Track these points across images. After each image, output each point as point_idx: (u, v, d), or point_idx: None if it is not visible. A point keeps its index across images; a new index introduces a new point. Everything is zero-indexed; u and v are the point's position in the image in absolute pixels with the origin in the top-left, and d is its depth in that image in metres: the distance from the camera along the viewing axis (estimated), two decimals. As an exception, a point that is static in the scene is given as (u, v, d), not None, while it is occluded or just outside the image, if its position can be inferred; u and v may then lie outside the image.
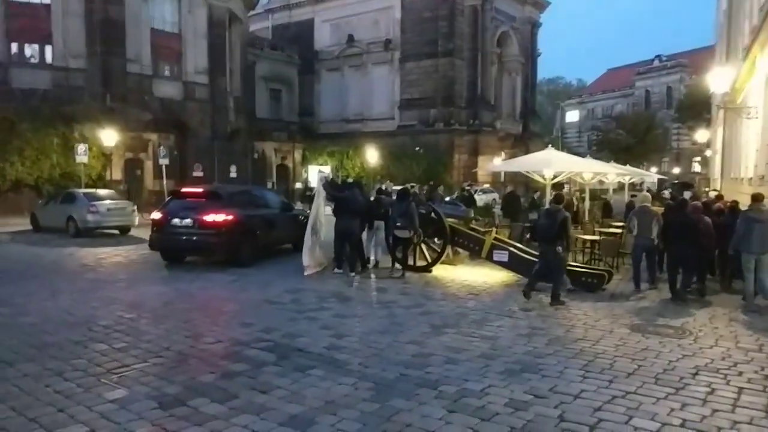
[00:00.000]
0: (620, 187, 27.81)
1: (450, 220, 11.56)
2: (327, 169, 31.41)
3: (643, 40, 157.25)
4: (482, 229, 11.84)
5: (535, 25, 51.55)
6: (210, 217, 10.97)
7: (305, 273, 10.70)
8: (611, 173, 21.50)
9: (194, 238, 11.09)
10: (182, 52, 30.09)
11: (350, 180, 18.54)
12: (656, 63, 77.68)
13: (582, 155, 31.77)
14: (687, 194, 19.08)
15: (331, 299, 8.61)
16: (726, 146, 20.17)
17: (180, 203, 11.57)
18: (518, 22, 49.40)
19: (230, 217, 11.04)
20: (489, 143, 44.39)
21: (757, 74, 11.68)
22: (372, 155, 32.27)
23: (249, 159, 29.52)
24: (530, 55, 51.50)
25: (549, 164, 13.59)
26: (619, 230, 14.87)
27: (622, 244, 12.56)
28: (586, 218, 19.08)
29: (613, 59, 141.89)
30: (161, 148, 23.18)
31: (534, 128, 52.76)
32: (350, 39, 48.68)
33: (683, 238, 8.99)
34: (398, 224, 10.69)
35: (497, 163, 31.68)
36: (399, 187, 15.75)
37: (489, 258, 10.96)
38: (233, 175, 28.24)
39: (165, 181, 22.88)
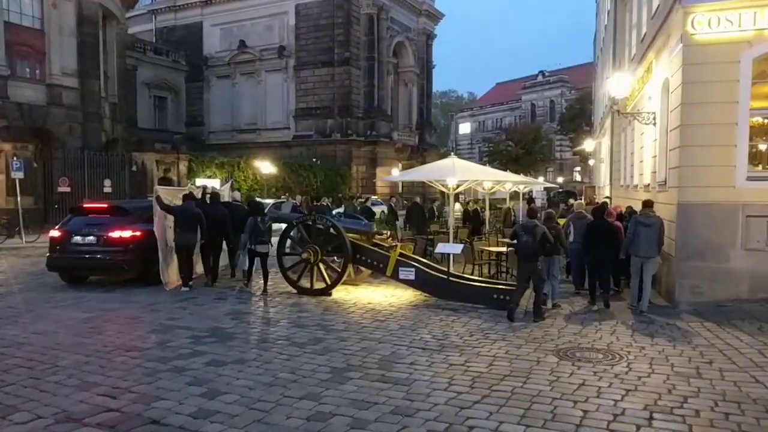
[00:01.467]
0: (514, 196, 28.28)
1: (351, 235, 10.38)
2: (217, 183, 29.14)
3: (528, 56, 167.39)
4: (386, 245, 10.76)
5: (429, 37, 52.23)
6: (116, 234, 10.41)
7: (166, 288, 10.27)
8: (508, 182, 21.59)
9: (98, 256, 10.50)
10: (46, 51, 26.57)
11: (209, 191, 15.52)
12: (540, 78, 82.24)
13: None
14: (576, 202, 19.42)
15: (206, 339, 7.03)
16: (614, 154, 20.86)
17: (82, 220, 10.98)
18: (413, 32, 49.76)
19: (138, 233, 10.44)
20: (387, 154, 44.04)
21: (653, 80, 11.66)
22: (265, 166, 30.37)
23: (126, 171, 26.51)
24: (425, 66, 52.05)
25: (453, 173, 12.83)
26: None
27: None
28: (487, 228, 18.78)
29: (502, 74, 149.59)
30: (15, 159, 19.91)
31: (430, 139, 53.35)
32: (242, 45, 46.39)
33: (604, 243, 9.10)
34: (262, 239, 10.45)
35: (396, 173, 31.03)
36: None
37: (394, 276, 9.90)
38: (108, 189, 25.16)
39: (20, 198, 19.67)
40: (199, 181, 29.46)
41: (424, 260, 10.68)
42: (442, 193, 14.43)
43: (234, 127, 47.38)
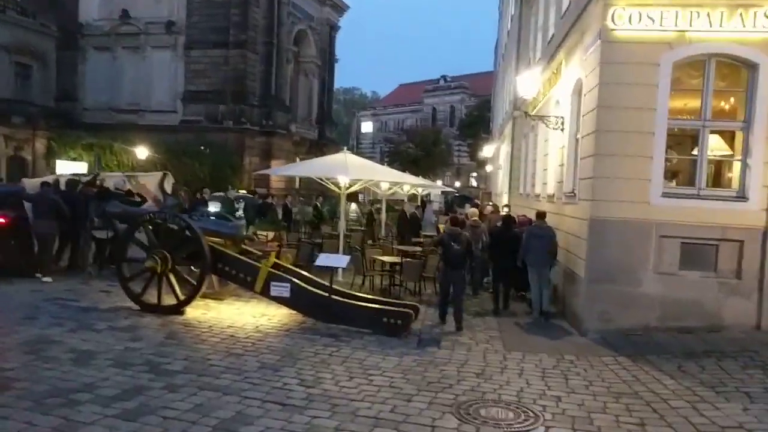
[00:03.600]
0: (411, 198, 27.35)
1: (213, 239, 8.42)
2: (84, 167, 25.38)
3: (431, 59, 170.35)
4: (258, 252, 8.91)
5: (333, 28, 50.40)
6: None
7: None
8: (406, 184, 20.43)
9: None
10: None
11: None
12: (442, 83, 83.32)
13: (376, 165, 30.93)
14: (470, 210, 18.65)
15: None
16: (514, 161, 20.39)
17: None
18: (316, 22, 47.63)
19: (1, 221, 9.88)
20: (283, 147, 41.58)
21: (562, 82, 10.80)
22: (142, 152, 26.96)
23: (-38, 147, 22.26)
24: (328, 59, 50.14)
25: (346, 170, 11.24)
26: (419, 248, 13.27)
27: (425, 266, 10.78)
28: (382, 233, 17.42)
29: (405, 75, 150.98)
30: None
31: (331, 135, 51.51)
32: (125, 15, 41.74)
33: (511, 253, 9.38)
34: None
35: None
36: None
37: (264, 293, 8.09)
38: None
39: None
40: (61, 164, 25.64)
41: (304, 272, 8.94)
42: (334, 192, 12.78)
43: (113, 106, 42.43)
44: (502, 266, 9.72)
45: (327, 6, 48.60)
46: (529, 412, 5.06)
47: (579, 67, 9.43)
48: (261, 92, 41.04)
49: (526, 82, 10.97)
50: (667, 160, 8.12)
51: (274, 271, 8.17)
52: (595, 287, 8.09)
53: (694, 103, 8.17)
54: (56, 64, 42.73)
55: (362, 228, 18.50)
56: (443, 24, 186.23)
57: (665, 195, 7.92)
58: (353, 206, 25.19)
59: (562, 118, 10.54)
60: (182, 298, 8.02)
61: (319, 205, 19.97)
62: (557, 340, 7.97)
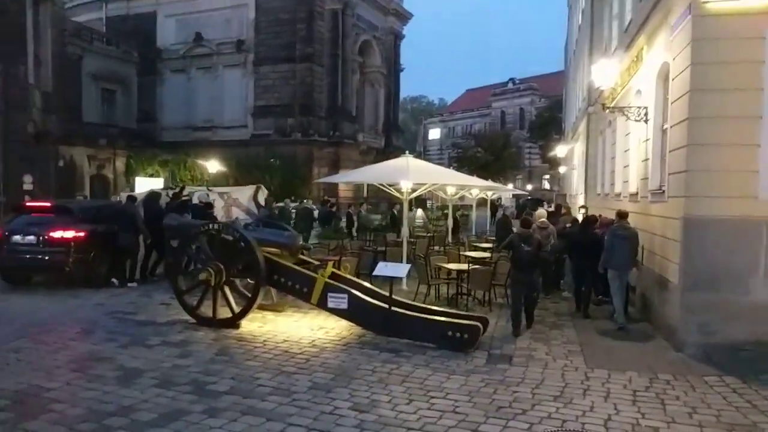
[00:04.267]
0: (481, 202, 26.39)
1: (268, 249, 8.08)
2: (160, 182, 26.38)
3: (498, 63, 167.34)
4: (315, 262, 8.49)
5: (398, 37, 50.26)
6: (58, 234, 10.17)
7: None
8: (475, 188, 19.60)
9: (39, 256, 10.30)
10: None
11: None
12: (510, 85, 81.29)
13: (444, 171, 30.22)
14: (538, 211, 17.52)
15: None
16: (590, 159, 19.06)
17: (25, 219, 10.77)
18: (381, 32, 47.70)
19: (81, 234, 10.30)
20: (350, 156, 41.69)
21: (644, 70, 9.74)
22: (213, 165, 27.69)
23: (52, 167, 23.57)
24: (393, 67, 50.03)
25: (406, 174, 10.67)
26: (488, 254, 12.46)
27: (494, 273, 9.99)
28: (449, 239, 16.70)
29: (472, 80, 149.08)
30: None
31: (397, 143, 51.20)
32: (198, 37, 43.52)
33: (591, 255, 8.83)
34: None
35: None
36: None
37: (321, 305, 7.64)
38: (28, 186, 22.27)
39: None
40: (139, 180, 26.74)
41: (365, 283, 8.43)
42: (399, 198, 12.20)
43: (189, 125, 44.31)
44: (582, 268, 9.34)
45: (391, 15, 48.60)
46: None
47: (664, 49, 8.38)
48: (328, 104, 41.47)
49: (602, 71, 9.97)
50: (777, 146, 6.95)
51: (331, 281, 7.69)
52: (693, 295, 7.02)
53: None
54: (137, 88, 45.29)
55: (429, 235, 17.84)
56: (510, 28, 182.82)
57: (776, 188, 6.77)
58: (419, 212, 24.58)
59: (646, 108, 9.46)
60: (237, 311, 7.71)
61: (395, 212, 19.41)
62: (648, 355, 6.98)
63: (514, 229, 11.87)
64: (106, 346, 6.66)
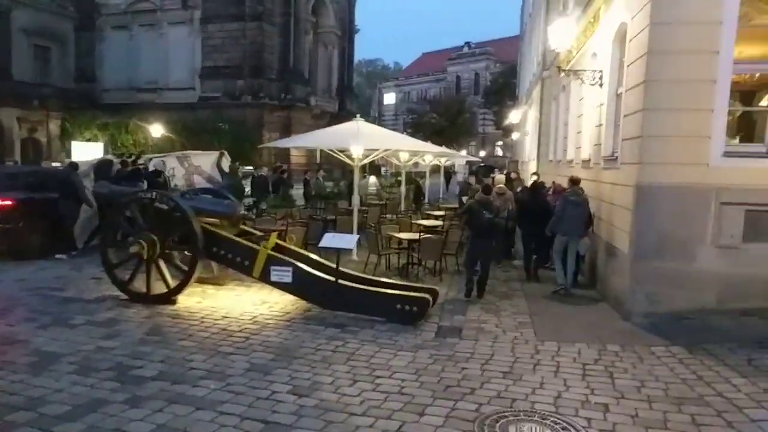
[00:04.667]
0: (435, 169, 26.15)
1: (207, 219, 7.56)
2: (99, 147, 24.91)
3: (455, 26, 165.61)
4: (258, 232, 8.03)
5: (352, -3, 48.77)
6: None
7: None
8: (428, 155, 19.29)
9: None
10: None
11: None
12: (466, 50, 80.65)
13: (399, 136, 29.73)
14: (498, 176, 17.45)
15: None
16: (543, 126, 19.00)
17: None
18: (334, -9, 46.14)
19: (8, 202, 9.66)
20: (303, 120, 40.59)
21: (600, 31, 9.49)
22: (157, 129, 26.36)
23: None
24: (347, 29, 48.66)
25: (357, 139, 10.22)
26: (440, 222, 12.24)
27: (445, 242, 9.78)
28: (402, 207, 16.41)
29: (428, 44, 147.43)
30: None
31: (351, 107, 50.21)
32: (140, -9, 41.03)
33: (540, 221, 8.91)
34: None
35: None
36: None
37: (264, 278, 7.22)
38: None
39: None
40: (76, 145, 25.22)
41: (310, 255, 8.04)
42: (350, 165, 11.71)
43: (132, 86, 42.10)
44: (532, 234, 9.48)
45: (345, -27, 46.98)
46: (571, 429, 4.07)
47: (623, 8, 8.12)
48: (279, 65, 40.08)
49: (559, 32, 9.69)
50: (729, 113, 6.87)
51: (274, 254, 7.26)
52: (642, 264, 6.97)
53: (763, 44, 6.87)
54: (75, 45, 42.43)
55: (382, 203, 17.51)
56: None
57: (727, 154, 6.70)
58: (372, 179, 24.20)
59: (601, 72, 9.27)
60: (173, 285, 7.21)
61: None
62: (597, 325, 6.91)
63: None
64: (24, 327, 6.07)
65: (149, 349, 5.49)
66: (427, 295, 6.99)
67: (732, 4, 6.42)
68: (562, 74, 11.68)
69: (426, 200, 18.98)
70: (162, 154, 15.02)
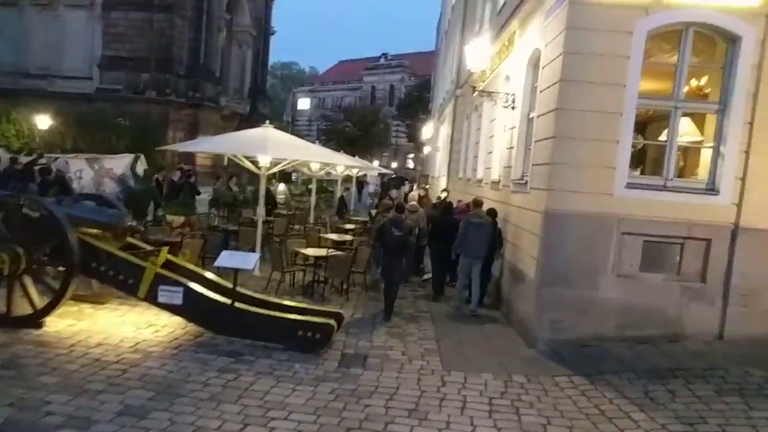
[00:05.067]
0: (346, 179, 25.82)
1: (87, 230, 6.69)
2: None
3: (371, 36, 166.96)
4: (147, 247, 7.23)
5: (268, -3, 47.59)
6: None
7: None
8: (340, 165, 18.92)
9: None
10: None
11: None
12: (382, 61, 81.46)
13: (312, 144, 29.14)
14: (411, 193, 17.42)
15: None
16: (454, 144, 19.26)
17: None
18: (250, -11, 44.77)
19: None
20: (211, 121, 38.83)
21: (515, 55, 9.60)
22: (44, 121, 23.97)
23: None
24: (263, 29, 47.37)
25: (264, 148, 9.62)
26: (349, 236, 11.89)
27: (354, 259, 9.41)
28: (311, 218, 15.90)
29: (345, 51, 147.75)
30: None
31: (264, 110, 48.86)
32: (32, -33, 37.56)
33: (450, 240, 8.91)
34: None
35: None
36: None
37: (150, 299, 6.48)
38: None
39: None
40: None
41: (205, 273, 7.35)
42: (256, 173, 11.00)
43: (19, 70, 38.24)
44: (443, 252, 9.43)
45: (262, -28, 45.81)
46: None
47: (537, 35, 8.20)
48: (188, 61, 38.09)
49: (475, 52, 9.69)
50: (633, 145, 7.07)
51: (163, 272, 6.55)
52: (548, 291, 6.98)
53: (666, 81, 7.14)
54: (-48, 21, 38.01)
55: (291, 213, 16.91)
56: (385, 3, 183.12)
57: (630, 186, 6.86)
58: (281, 187, 23.47)
59: (513, 95, 9.35)
60: (38, 307, 6.27)
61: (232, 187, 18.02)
62: (502, 353, 6.82)
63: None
64: None
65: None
66: (331, 321, 6.57)
67: (639, 39, 6.60)
68: (476, 94, 11.75)
69: (342, 210, 18.42)
70: (69, 155, 13.97)
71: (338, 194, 20.87)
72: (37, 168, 11.38)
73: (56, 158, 12.45)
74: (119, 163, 13.49)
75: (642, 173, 7.62)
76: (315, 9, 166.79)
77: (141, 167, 13.45)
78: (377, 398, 5.09)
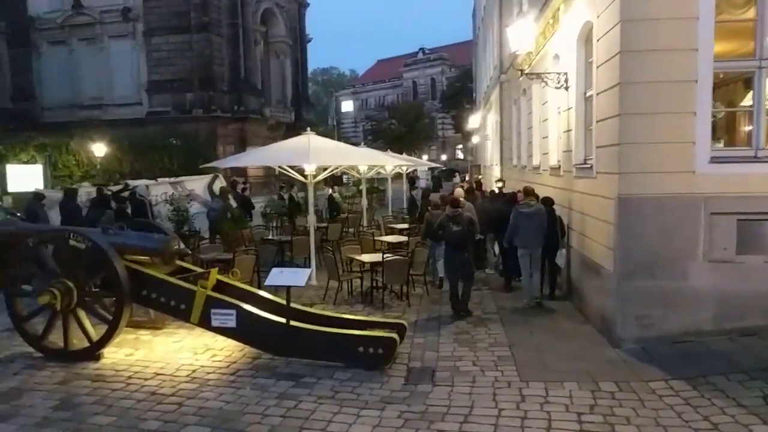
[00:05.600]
0: (397, 176, 25.35)
1: (134, 257, 6.52)
2: (39, 170, 23.18)
3: (408, 32, 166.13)
4: (197, 270, 7.01)
5: (302, 5, 47.82)
6: None
7: None
8: (388, 164, 18.49)
9: None
10: None
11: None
12: (420, 55, 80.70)
13: (357, 145, 28.86)
14: (457, 190, 16.60)
15: None
16: (504, 130, 18.46)
17: None
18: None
19: None
20: (258, 132, 39.29)
21: (561, 32, 8.89)
22: (99, 148, 24.72)
23: None
24: (299, 37, 47.66)
25: (307, 156, 9.30)
26: (405, 237, 11.43)
27: (411, 262, 8.93)
28: (364, 221, 15.54)
29: (383, 51, 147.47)
30: None
31: (308, 116, 49.14)
32: (77, 4, 39.07)
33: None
34: None
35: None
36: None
37: (204, 324, 6.22)
38: None
39: None
40: (12, 168, 23.37)
41: (258, 291, 7.07)
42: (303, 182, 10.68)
43: (74, 103, 39.96)
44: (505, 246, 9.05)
45: (292, -19, 46.07)
46: None
47: (586, 7, 7.50)
48: (230, 77, 38.76)
49: (518, 33, 9.01)
50: (713, 115, 6.27)
51: (214, 294, 6.28)
52: (629, 284, 6.28)
53: (743, 39, 6.31)
54: (10, 63, 40.05)
55: (344, 215, 16.59)
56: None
57: (715, 160, 6.08)
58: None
59: (566, 74, 8.63)
60: (94, 339, 6.13)
61: (294, 195, 17.92)
62: (584, 356, 6.17)
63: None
64: None
65: (52, 431, 4.43)
66: (393, 334, 6.12)
67: (710, -3, 5.82)
68: (522, 78, 11.05)
69: (413, 210, 17.74)
70: (150, 181, 14.46)
71: (389, 193, 20.45)
72: (110, 194, 11.82)
73: (135, 186, 12.98)
74: (199, 184, 13.95)
75: (725, 145, 6.78)
76: (348, 13, 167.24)
77: (218, 186, 13.83)
78: (450, 421, 4.60)
